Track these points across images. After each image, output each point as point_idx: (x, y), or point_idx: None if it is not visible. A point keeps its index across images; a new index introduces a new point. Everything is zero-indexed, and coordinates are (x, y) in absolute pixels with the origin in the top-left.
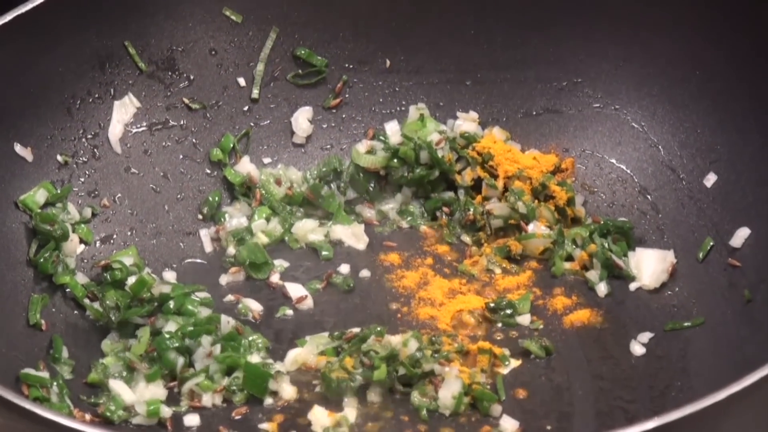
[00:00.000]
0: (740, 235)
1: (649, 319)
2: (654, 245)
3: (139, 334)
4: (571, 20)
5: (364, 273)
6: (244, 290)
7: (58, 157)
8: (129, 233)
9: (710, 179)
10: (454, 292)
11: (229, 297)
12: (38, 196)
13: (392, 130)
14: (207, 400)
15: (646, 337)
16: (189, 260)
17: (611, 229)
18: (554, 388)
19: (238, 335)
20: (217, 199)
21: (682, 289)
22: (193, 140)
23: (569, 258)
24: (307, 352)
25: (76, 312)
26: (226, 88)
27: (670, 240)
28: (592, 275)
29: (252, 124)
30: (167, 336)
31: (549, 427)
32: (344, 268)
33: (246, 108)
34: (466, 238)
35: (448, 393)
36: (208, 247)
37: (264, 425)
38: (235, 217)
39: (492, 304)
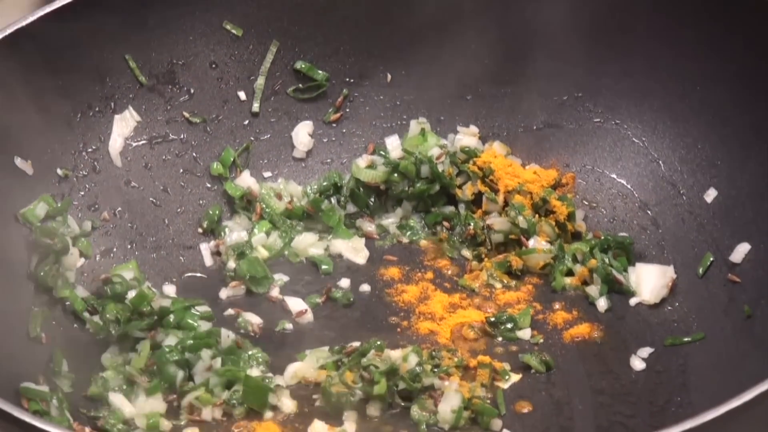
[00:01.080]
0: (740, 251)
1: (649, 334)
2: (654, 260)
3: (139, 348)
4: (571, 35)
5: (364, 287)
6: (244, 304)
7: (58, 171)
8: (129, 247)
9: (711, 195)
10: (455, 306)
11: (229, 311)
12: (38, 209)
13: (393, 144)
14: (207, 413)
15: (646, 352)
16: (189, 274)
17: (611, 244)
18: (554, 403)
19: (238, 349)
20: (217, 213)
21: (682, 304)
22: (194, 154)
23: (569, 273)
24: (307, 366)
25: (75, 325)
26: (226, 101)
27: (670, 255)
28: (593, 290)
29: (252, 138)
30: (167, 350)
31: None
32: (344, 282)
33: (246, 122)
34: (467, 253)
35: (448, 407)
36: (209, 261)
37: None
38: (235, 231)
39: (492, 319)
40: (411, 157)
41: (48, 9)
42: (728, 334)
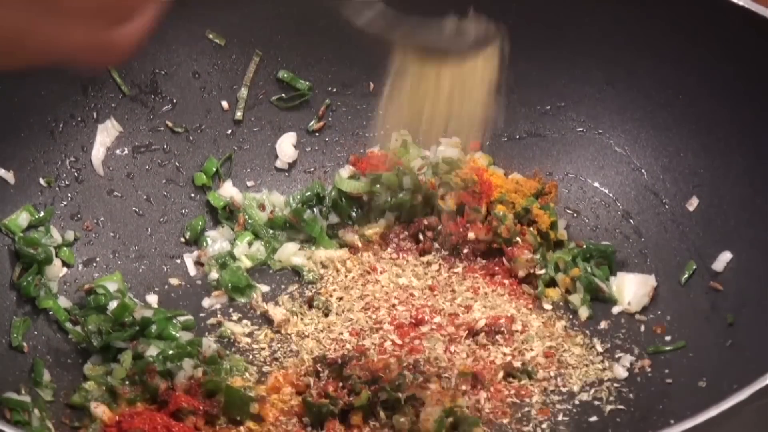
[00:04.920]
0: (722, 259)
1: (631, 343)
2: (637, 269)
3: (121, 358)
4: (554, 44)
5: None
6: (227, 313)
7: (41, 180)
8: (111, 256)
9: (693, 203)
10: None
11: (212, 320)
12: (21, 219)
13: None
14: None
15: (628, 360)
16: (172, 283)
17: (594, 253)
18: (536, 412)
19: (220, 359)
20: (200, 224)
21: (664, 312)
22: (176, 163)
23: (552, 282)
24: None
25: (58, 335)
26: (209, 111)
27: (652, 264)
28: (575, 299)
29: (235, 147)
30: (149, 360)
31: None
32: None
33: (229, 131)
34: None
35: (430, 416)
36: (192, 271)
37: None
38: (217, 242)
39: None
40: (393, 168)
41: None
42: (710, 342)
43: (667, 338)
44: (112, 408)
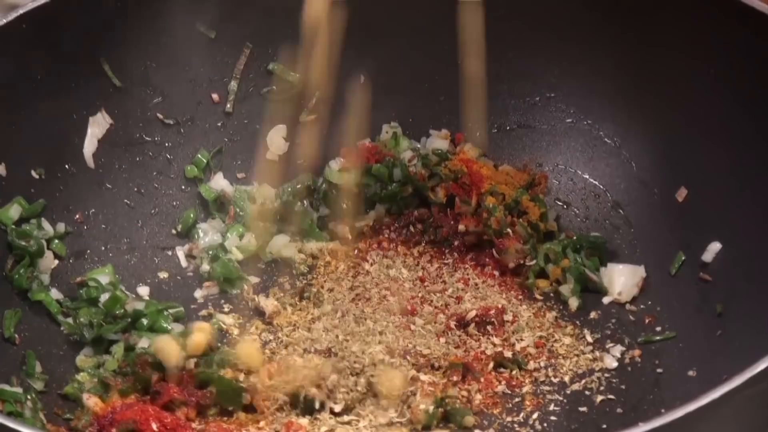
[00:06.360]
0: (712, 250)
1: (621, 333)
2: (627, 259)
3: (113, 350)
4: (543, 35)
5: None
6: (219, 304)
7: (32, 173)
8: (103, 248)
9: (682, 194)
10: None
11: (204, 311)
12: (12, 211)
13: None
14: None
15: (618, 350)
16: (163, 275)
17: (584, 244)
18: (526, 401)
19: (211, 351)
20: (192, 216)
21: (654, 302)
22: (167, 155)
23: (542, 272)
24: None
25: (51, 327)
26: (200, 103)
27: (642, 254)
28: (565, 289)
29: (226, 139)
30: (141, 351)
31: None
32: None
33: (220, 123)
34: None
35: (421, 406)
36: (184, 262)
37: None
38: (209, 234)
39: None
40: (383, 160)
41: (21, 11)
42: (700, 333)
43: (657, 328)
44: (104, 399)
